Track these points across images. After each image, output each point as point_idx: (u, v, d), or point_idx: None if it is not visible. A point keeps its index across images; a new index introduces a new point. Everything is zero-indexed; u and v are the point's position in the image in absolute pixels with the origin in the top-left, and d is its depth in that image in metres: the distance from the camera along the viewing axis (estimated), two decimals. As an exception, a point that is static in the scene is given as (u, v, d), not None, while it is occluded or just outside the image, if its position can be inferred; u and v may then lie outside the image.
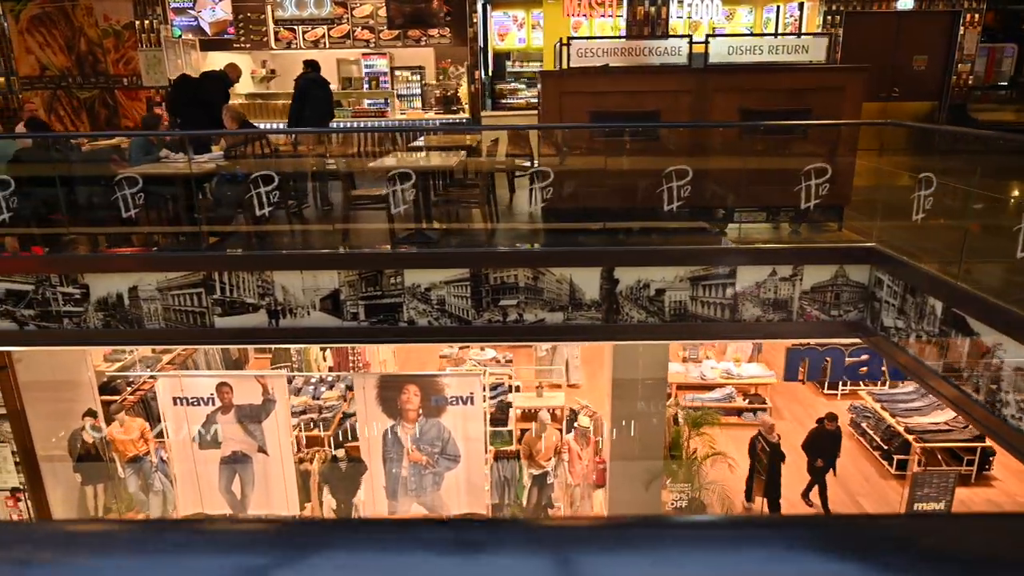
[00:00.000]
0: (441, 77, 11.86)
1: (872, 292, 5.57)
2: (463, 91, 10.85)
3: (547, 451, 8.20)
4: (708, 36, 5.97)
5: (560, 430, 8.53)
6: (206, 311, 5.74)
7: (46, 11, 10.99)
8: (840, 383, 11.95)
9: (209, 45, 11.57)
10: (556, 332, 5.78)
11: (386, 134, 8.78)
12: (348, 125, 10.79)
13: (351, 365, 12.63)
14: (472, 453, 8.27)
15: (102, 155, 6.26)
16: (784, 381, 9.20)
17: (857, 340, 5.84)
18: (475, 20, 10.08)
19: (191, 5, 10.26)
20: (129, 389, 9.80)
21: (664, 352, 8.30)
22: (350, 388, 11.49)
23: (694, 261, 5.63)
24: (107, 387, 9.55)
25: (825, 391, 12.28)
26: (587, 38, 6.73)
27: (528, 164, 7.10)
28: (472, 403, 8.05)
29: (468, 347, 12.68)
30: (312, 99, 7.20)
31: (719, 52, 5.71)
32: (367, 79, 11.32)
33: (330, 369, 12.44)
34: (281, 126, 10.83)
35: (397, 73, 11.34)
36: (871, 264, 5.57)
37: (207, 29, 10.35)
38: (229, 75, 7.43)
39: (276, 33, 11.40)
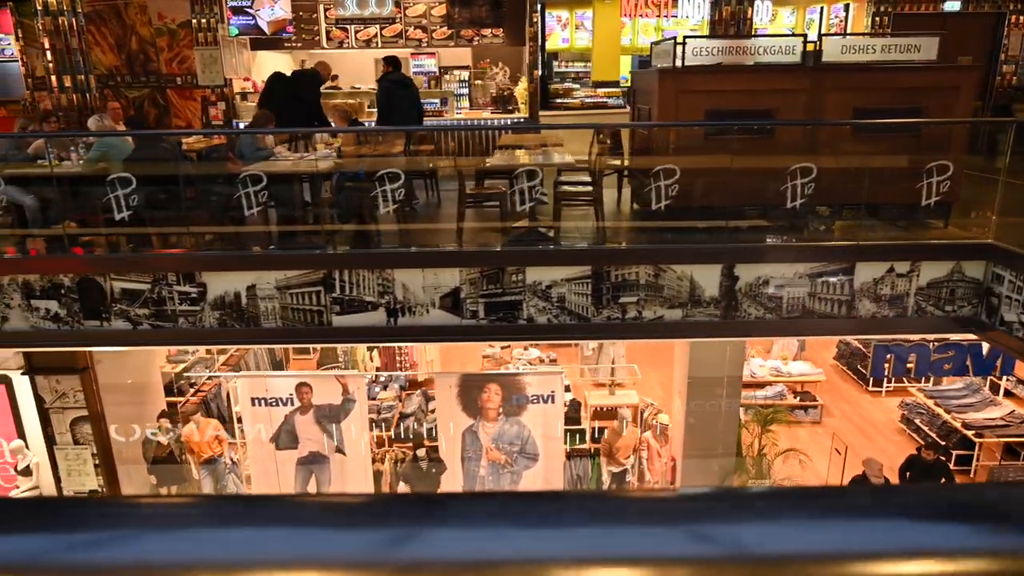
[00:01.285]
0: (499, 76, 11.86)
1: (989, 288, 5.64)
2: (519, 91, 10.87)
3: (627, 449, 8.23)
4: (821, 35, 6.03)
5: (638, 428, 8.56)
6: (324, 309, 5.72)
7: (96, 10, 10.87)
8: (885, 380, 12.09)
9: (259, 44, 11.52)
10: (674, 329, 5.81)
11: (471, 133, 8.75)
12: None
13: (399, 365, 12.62)
14: (551, 452, 8.28)
15: (217, 153, 6.21)
16: (872, 377, 9.26)
17: (971, 335, 5.91)
18: (535, 19, 10.10)
19: (249, 4, 10.19)
20: (192, 390, 9.73)
21: (741, 350, 8.36)
22: (403, 388, 11.51)
23: (815, 257, 5.68)
24: (171, 388, 9.47)
25: (870, 388, 12.40)
26: (701, 37, 6.76)
27: (618, 162, 7.14)
28: (553, 401, 8.06)
29: (510, 347, 12.71)
30: (398, 102, 7.08)
31: (832, 51, 5.77)
32: (428, 79, 11.30)
33: (377, 369, 12.42)
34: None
35: (456, 72, 11.34)
36: (987, 260, 5.65)
37: (265, 28, 10.29)
38: (320, 72, 7.38)
39: (328, 32, 11.36)
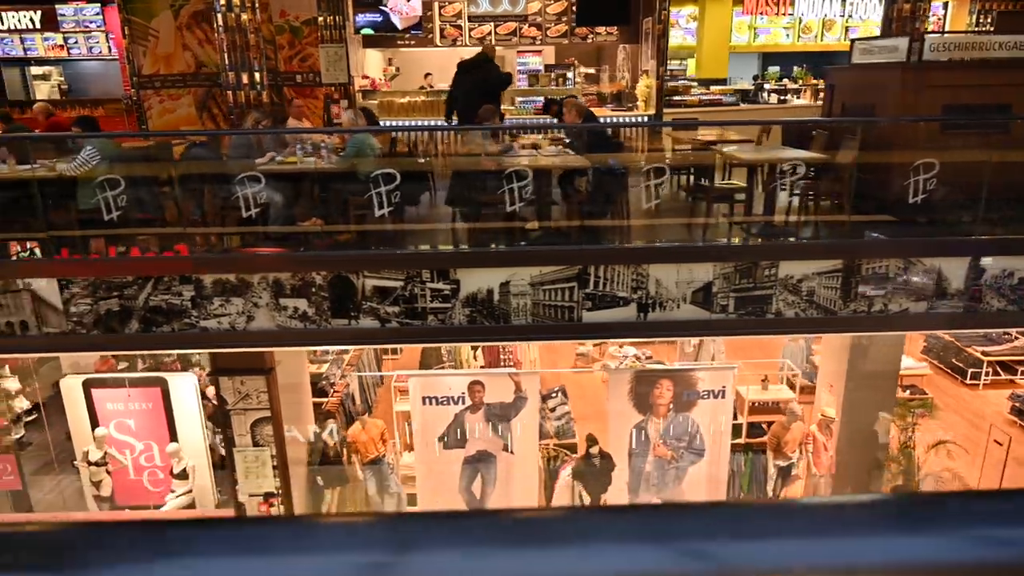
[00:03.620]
0: (616, 74, 11.87)
1: None
2: (640, 88, 10.89)
3: (794, 443, 8.29)
4: (1056, 31, 6.15)
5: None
6: (575, 305, 5.71)
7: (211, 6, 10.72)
8: (982, 373, 12.33)
9: (369, 42, 11.45)
10: (917, 322, 5.88)
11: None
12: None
13: (502, 363, 12.58)
14: (718, 447, 8.31)
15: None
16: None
17: None
18: (663, 17, 10.14)
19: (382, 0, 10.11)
20: (331, 389, 9.64)
21: (900, 344, 8.45)
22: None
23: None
24: (314, 389, 9.37)
25: (967, 381, 12.61)
26: (940, 32, 6.82)
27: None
28: (723, 397, 8.09)
29: (604, 344, 12.75)
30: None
31: (1065, 46, 5.89)
32: (555, 77, 11.29)
33: (481, 367, 12.37)
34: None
35: (580, 70, 11.35)
36: None
37: (398, 24, 10.20)
38: (489, 55, 7.32)
39: (442, 30, 11.31)
